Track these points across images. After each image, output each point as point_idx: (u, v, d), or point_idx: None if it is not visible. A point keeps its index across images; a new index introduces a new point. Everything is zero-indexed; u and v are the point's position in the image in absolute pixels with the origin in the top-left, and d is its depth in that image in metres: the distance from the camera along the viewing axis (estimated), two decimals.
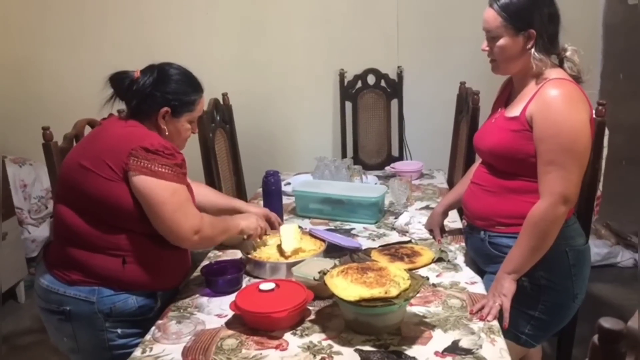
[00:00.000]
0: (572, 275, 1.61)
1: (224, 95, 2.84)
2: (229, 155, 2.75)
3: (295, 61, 3.66)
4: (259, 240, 1.84)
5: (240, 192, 2.83)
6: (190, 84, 1.65)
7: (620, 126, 2.66)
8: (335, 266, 1.54)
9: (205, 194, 1.93)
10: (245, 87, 3.50)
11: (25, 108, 3.76)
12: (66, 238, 1.58)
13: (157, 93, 1.59)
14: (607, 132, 1.92)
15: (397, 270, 1.46)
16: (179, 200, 1.54)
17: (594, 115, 1.61)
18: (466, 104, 2.59)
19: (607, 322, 0.56)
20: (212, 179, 2.41)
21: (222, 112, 2.69)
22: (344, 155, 3.57)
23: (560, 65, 1.62)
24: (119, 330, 1.58)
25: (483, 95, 2.43)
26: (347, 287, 1.39)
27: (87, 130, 1.99)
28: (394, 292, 1.36)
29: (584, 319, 1.92)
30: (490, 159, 1.70)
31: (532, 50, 1.58)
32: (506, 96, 1.75)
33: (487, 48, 1.64)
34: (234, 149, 2.82)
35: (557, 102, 1.52)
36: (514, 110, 1.63)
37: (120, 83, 1.60)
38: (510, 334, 1.57)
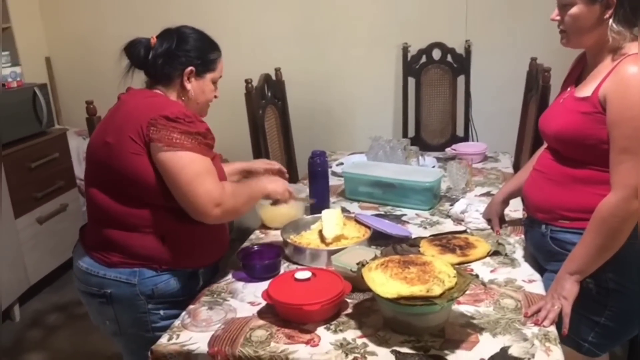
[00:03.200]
0: None
1: (277, 70, 2.75)
2: (279, 132, 2.66)
3: (356, 34, 3.50)
4: (285, 204, 1.75)
5: (291, 171, 2.75)
6: (210, 43, 1.62)
7: None
8: (375, 257, 1.42)
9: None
10: (302, 61, 3.39)
11: (90, 82, 3.84)
12: (100, 219, 1.55)
13: (179, 53, 1.55)
14: None
15: (444, 266, 1.32)
16: (196, 170, 1.44)
17: None
18: (536, 82, 2.37)
19: None
20: (260, 157, 2.33)
21: (273, 88, 2.60)
22: (404, 135, 3.41)
23: None
24: (161, 312, 1.54)
25: (555, 72, 2.20)
26: (385, 282, 1.27)
27: None
28: (437, 290, 1.23)
29: None
30: (556, 144, 1.52)
31: (610, 20, 1.38)
32: (578, 73, 1.56)
33: (558, 17, 1.46)
34: (285, 127, 2.73)
35: (636, 81, 1.32)
36: (586, 90, 1.44)
37: (136, 51, 1.56)
38: (572, 340, 1.41)
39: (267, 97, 2.53)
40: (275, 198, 1.70)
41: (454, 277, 1.28)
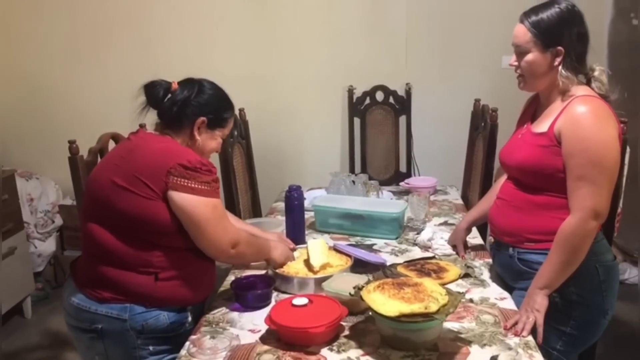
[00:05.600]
0: (603, 291, 1.62)
1: (241, 110, 2.85)
2: (245, 170, 2.75)
3: (305, 77, 3.68)
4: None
5: (255, 207, 2.83)
6: (226, 102, 1.72)
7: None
8: (369, 281, 1.54)
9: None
10: (255, 103, 3.51)
11: (32, 122, 3.77)
12: (97, 256, 1.57)
13: (195, 103, 1.63)
14: (628, 149, 1.94)
15: (434, 286, 1.46)
16: (220, 215, 1.57)
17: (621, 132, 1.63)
18: (483, 120, 2.62)
19: None
20: (230, 194, 2.41)
21: (239, 127, 2.70)
22: (351, 171, 3.58)
23: (588, 84, 1.65)
24: (150, 347, 1.57)
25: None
26: (385, 302, 1.39)
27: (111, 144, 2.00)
28: (433, 307, 1.36)
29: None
30: (517, 174, 1.72)
31: (560, 67, 1.60)
32: (532, 112, 1.78)
33: (516, 63, 1.67)
34: (249, 164, 2.83)
35: (586, 118, 1.54)
36: (542, 126, 1.65)
37: (155, 91, 1.63)
38: (542, 350, 1.57)
39: (235, 136, 2.62)
40: (274, 265, 1.81)
41: (446, 295, 1.42)
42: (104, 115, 3.42)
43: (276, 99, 3.67)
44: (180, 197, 1.51)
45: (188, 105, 1.62)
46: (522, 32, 1.62)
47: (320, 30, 3.63)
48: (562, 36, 1.58)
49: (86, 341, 1.59)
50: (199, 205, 1.52)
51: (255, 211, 2.81)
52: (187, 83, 1.66)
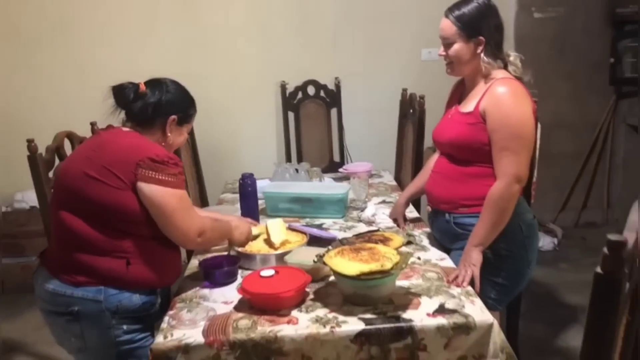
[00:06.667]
0: (526, 245, 1.89)
1: None
2: (191, 164, 2.85)
3: (238, 75, 3.82)
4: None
5: (203, 200, 2.94)
6: (190, 98, 1.85)
7: None
8: (329, 250, 1.72)
9: None
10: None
11: None
12: (70, 243, 1.65)
13: (165, 103, 1.75)
14: (539, 125, 2.23)
15: (386, 249, 1.66)
16: (186, 205, 1.70)
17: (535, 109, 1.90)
18: (411, 108, 2.86)
19: (613, 237, 0.79)
20: None
21: None
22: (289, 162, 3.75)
23: (505, 68, 1.90)
24: (124, 327, 1.67)
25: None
26: (346, 264, 1.57)
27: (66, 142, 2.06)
28: (388, 265, 1.56)
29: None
30: (450, 150, 1.95)
31: (482, 54, 1.85)
32: (458, 95, 2.02)
33: (444, 53, 1.90)
34: (195, 158, 2.93)
35: (506, 98, 1.79)
36: (468, 107, 1.89)
37: (125, 94, 1.73)
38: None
39: None
40: (237, 244, 1.94)
41: (397, 255, 1.63)
42: (35, 117, 3.43)
43: (211, 97, 3.75)
44: (148, 189, 1.62)
45: (160, 106, 1.74)
46: (448, 26, 1.85)
47: (250, 28, 3.78)
48: (482, 27, 1.83)
49: (62, 324, 1.67)
50: (167, 196, 1.63)
51: (204, 204, 2.92)
52: (154, 84, 1.77)
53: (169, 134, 1.77)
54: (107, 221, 1.63)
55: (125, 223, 1.64)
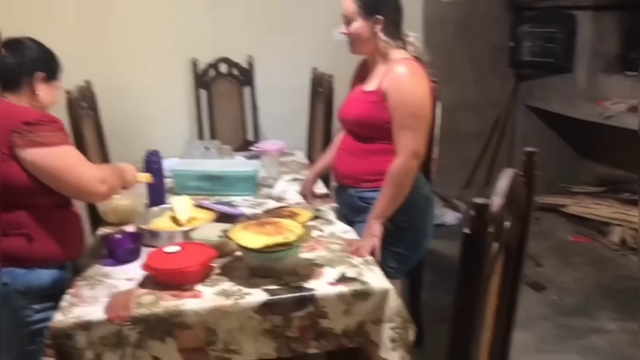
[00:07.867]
0: (423, 217, 2.00)
1: (87, 82, 2.85)
2: (96, 142, 2.77)
3: (147, 51, 3.69)
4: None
5: None
6: (52, 53, 1.79)
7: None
8: (235, 225, 1.74)
9: None
10: (100, 78, 3.47)
11: None
12: None
13: (27, 61, 1.69)
14: (439, 104, 2.35)
15: (290, 223, 1.71)
16: (76, 160, 1.64)
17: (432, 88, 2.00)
18: (320, 87, 2.91)
19: (478, 200, 0.87)
20: None
21: (87, 99, 2.70)
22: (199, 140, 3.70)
23: (404, 48, 1.98)
24: (35, 306, 1.63)
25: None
26: (251, 238, 1.61)
27: None
28: (292, 237, 1.61)
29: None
30: (353, 128, 2.02)
31: (380, 33, 1.91)
32: (363, 75, 2.08)
33: (345, 30, 1.95)
34: (100, 136, 2.85)
35: (405, 77, 1.87)
36: (371, 86, 1.96)
37: None
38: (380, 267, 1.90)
39: (84, 108, 2.62)
40: (127, 187, 1.90)
41: (301, 228, 1.68)
42: None
43: (118, 74, 3.64)
44: (31, 154, 1.56)
45: (23, 64, 1.68)
46: (349, 4, 1.91)
47: (160, 4, 3.68)
48: (380, 7, 1.89)
49: None
50: (51, 156, 1.58)
51: None
52: (12, 44, 1.70)
53: (39, 93, 1.71)
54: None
55: (16, 197, 1.58)
